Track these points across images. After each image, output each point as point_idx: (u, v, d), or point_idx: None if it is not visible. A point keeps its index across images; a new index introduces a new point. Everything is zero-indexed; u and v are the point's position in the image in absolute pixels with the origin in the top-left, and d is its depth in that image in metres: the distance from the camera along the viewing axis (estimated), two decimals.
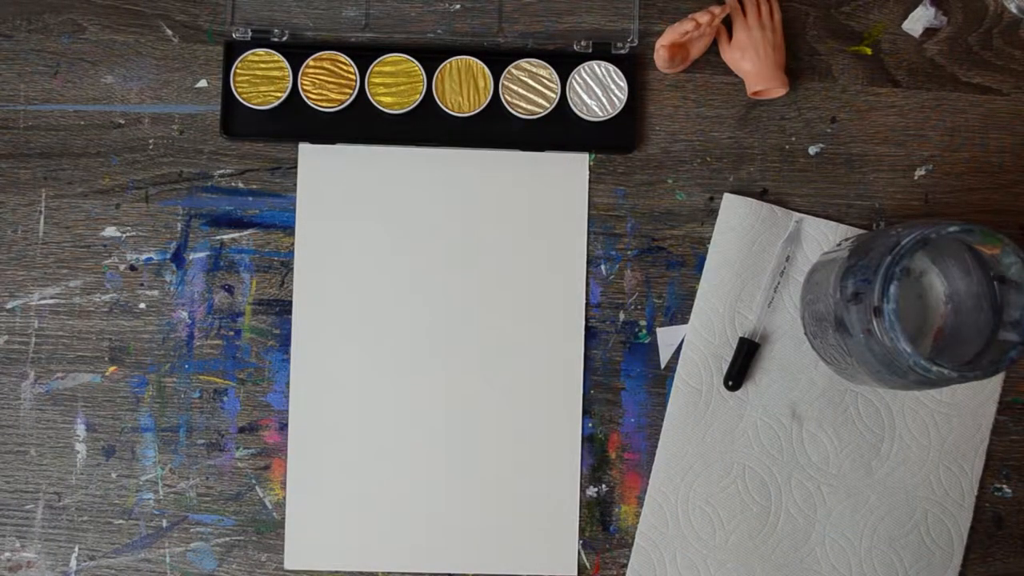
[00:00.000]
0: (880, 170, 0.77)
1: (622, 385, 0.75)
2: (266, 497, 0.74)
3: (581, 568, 0.74)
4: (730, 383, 0.74)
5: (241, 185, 0.76)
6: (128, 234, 0.75)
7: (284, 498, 0.74)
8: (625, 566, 0.74)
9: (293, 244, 0.75)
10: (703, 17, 0.72)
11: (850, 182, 0.77)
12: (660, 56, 0.75)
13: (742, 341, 0.74)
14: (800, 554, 0.74)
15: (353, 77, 0.75)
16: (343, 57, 0.75)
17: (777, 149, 0.77)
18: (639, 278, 0.76)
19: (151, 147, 0.76)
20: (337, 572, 0.74)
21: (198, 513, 0.74)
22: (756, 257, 0.75)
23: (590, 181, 0.76)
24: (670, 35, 0.73)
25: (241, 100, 0.74)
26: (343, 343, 0.75)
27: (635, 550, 0.74)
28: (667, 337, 0.75)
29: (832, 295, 0.66)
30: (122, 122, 0.76)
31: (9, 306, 0.74)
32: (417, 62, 0.75)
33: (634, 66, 0.76)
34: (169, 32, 0.77)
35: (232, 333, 0.75)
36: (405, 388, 0.75)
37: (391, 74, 0.75)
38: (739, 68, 0.76)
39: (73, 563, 0.73)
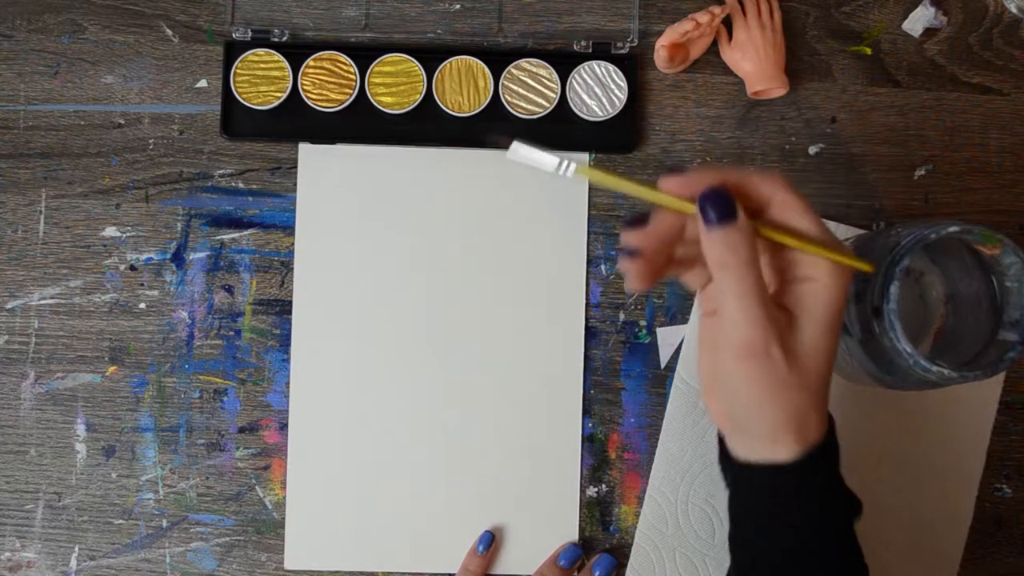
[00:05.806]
0: (880, 170, 0.77)
1: (622, 385, 0.75)
2: (266, 497, 0.74)
3: (581, 567, 0.74)
4: None
5: (241, 185, 0.76)
6: (128, 234, 0.75)
7: (284, 498, 0.74)
8: (625, 566, 0.74)
9: (293, 244, 0.75)
10: (703, 17, 0.72)
11: (850, 182, 0.77)
12: (660, 56, 0.75)
13: None
14: None
15: (353, 77, 0.75)
16: (343, 57, 0.75)
17: (777, 149, 0.77)
18: None
19: (151, 147, 0.76)
20: (337, 572, 0.74)
21: (198, 513, 0.74)
22: None
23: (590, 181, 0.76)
24: (670, 35, 0.73)
25: (241, 100, 0.74)
26: (343, 343, 0.75)
27: (635, 550, 0.74)
28: (667, 337, 0.75)
29: None
30: (122, 122, 0.76)
31: (9, 306, 0.74)
32: (417, 62, 0.75)
33: (634, 66, 0.76)
34: (169, 32, 0.77)
35: (232, 333, 0.75)
36: (405, 388, 0.75)
37: (391, 74, 0.75)
38: (739, 68, 0.76)
39: (73, 563, 0.73)
